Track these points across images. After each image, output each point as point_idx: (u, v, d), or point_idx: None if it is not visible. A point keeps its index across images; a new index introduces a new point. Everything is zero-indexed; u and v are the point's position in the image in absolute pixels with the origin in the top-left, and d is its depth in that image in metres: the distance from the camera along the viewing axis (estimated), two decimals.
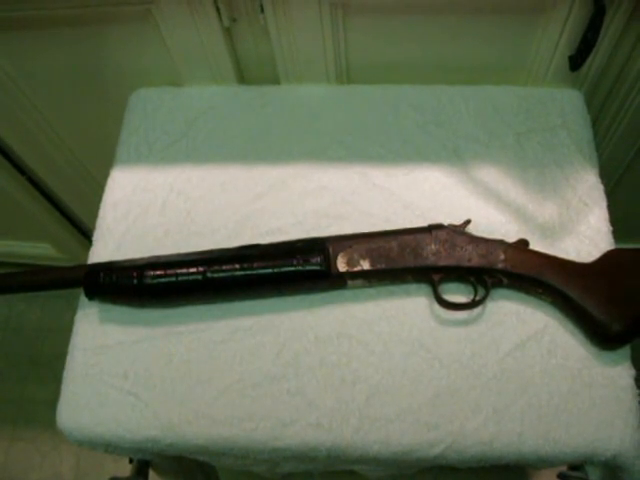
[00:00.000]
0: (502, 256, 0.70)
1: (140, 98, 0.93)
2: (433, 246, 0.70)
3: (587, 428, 0.65)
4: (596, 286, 0.69)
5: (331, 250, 0.71)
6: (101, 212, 0.83)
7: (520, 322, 0.71)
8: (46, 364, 1.58)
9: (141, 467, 0.78)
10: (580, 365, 0.68)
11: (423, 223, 0.73)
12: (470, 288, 0.72)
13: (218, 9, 0.81)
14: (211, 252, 0.73)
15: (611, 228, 0.77)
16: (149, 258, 0.72)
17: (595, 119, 0.94)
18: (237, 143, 0.87)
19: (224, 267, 0.70)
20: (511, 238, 0.73)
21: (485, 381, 0.68)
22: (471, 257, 0.70)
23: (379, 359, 0.70)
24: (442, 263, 0.70)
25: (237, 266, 0.70)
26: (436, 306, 0.72)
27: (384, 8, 0.81)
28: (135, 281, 0.70)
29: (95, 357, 0.72)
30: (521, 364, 0.68)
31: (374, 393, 0.68)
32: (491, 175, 0.82)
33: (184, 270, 0.70)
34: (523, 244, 0.72)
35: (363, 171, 0.83)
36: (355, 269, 0.70)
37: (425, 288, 0.73)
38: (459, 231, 0.72)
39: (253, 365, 0.70)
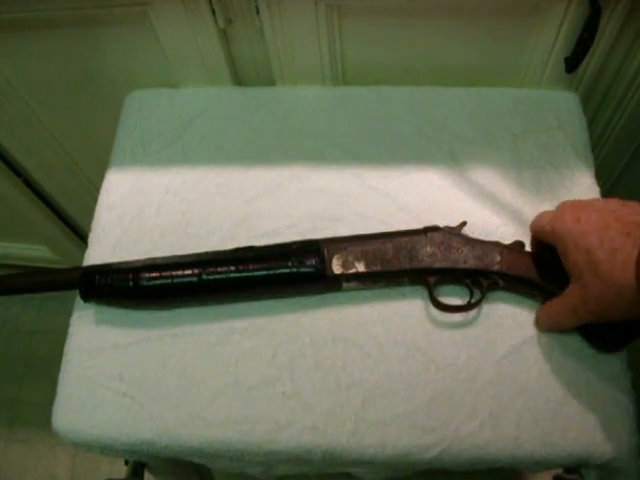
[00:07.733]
0: (498, 258, 0.70)
1: (135, 100, 0.93)
2: (428, 248, 0.70)
3: (584, 431, 0.65)
4: None
5: (326, 252, 0.70)
6: (96, 214, 0.82)
7: (516, 325, 0.71)
8: (41, 366, 1.58)
9: (137, 469, 0.78)
10: (577, 368, 0.68)
11: (418, 225, 0.73)
12: (466, 290, 0.72)
13: (213, 10, 0.81)
14: (206, 254, 0.72)
15: None
16: (145, 260, 0.72)
17: (591, 121, 0.94)
18: (232, 145, 0.87)
19: (219, 269, 0.70)
20: (507, 240, 0.73)
21: (481, 384, 0.67)
22: (467, 259, 0.70)
23: (374, 362, 0.69)
24: (438, 265, 0.70)
25: (232, 268, 0.70)
26: (432, 309, 0.72)
27: (380, 10, 0.81)
28: (131, 283, 0.70)
29: (90, 359, 0.72)
30: (517, 367, 0.68)
31: (369, 396, 0.68)
32: (487, 177, 0.81)
33: (179, 272, 0.70)
34: (519, 246, 0.72)
35: (358, 173, 0.83)
36: (350, 271, 0.70)
37: (420, 290, 0.73)
38: (455, 233, 0.72)
39: (248, 367, 0.70)
